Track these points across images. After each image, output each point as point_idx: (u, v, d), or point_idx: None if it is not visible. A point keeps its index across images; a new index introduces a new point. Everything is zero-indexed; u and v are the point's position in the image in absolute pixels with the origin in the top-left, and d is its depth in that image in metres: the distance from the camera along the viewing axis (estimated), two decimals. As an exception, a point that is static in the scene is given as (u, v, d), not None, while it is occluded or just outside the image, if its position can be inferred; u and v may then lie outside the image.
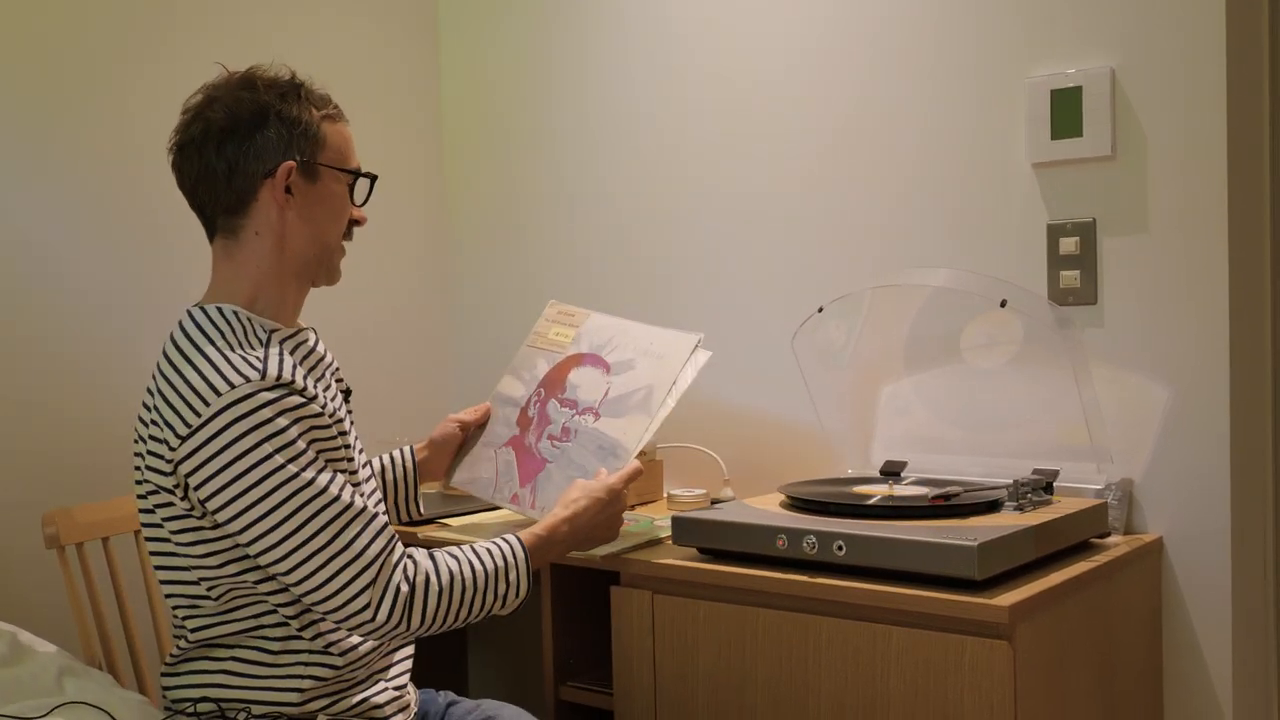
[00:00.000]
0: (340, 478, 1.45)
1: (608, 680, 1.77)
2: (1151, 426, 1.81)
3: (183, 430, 1.40)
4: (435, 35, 2.68)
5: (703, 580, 1.65)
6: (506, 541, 1.55)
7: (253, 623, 1.48)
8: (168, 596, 1.51)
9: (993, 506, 1.66)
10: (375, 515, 1.45)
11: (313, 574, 1.41)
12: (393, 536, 1.46)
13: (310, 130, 1.52)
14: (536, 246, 2.55)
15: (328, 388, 1.57)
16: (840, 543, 1.53)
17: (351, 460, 1.53)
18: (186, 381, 1.42)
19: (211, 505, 1.41)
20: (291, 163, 1.50)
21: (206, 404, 1.39)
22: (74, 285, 2.03)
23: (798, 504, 1.73)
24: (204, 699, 1.50)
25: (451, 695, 1.74)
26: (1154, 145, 1.80)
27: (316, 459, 1.43)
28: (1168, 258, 1.79)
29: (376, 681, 1.56)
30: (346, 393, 1.67)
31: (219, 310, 1.49)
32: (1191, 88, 1.76)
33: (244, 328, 1.48)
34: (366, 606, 1.41)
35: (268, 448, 1.39)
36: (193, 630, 1.50)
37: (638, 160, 2.38)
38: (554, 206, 2.51)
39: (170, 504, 1.45)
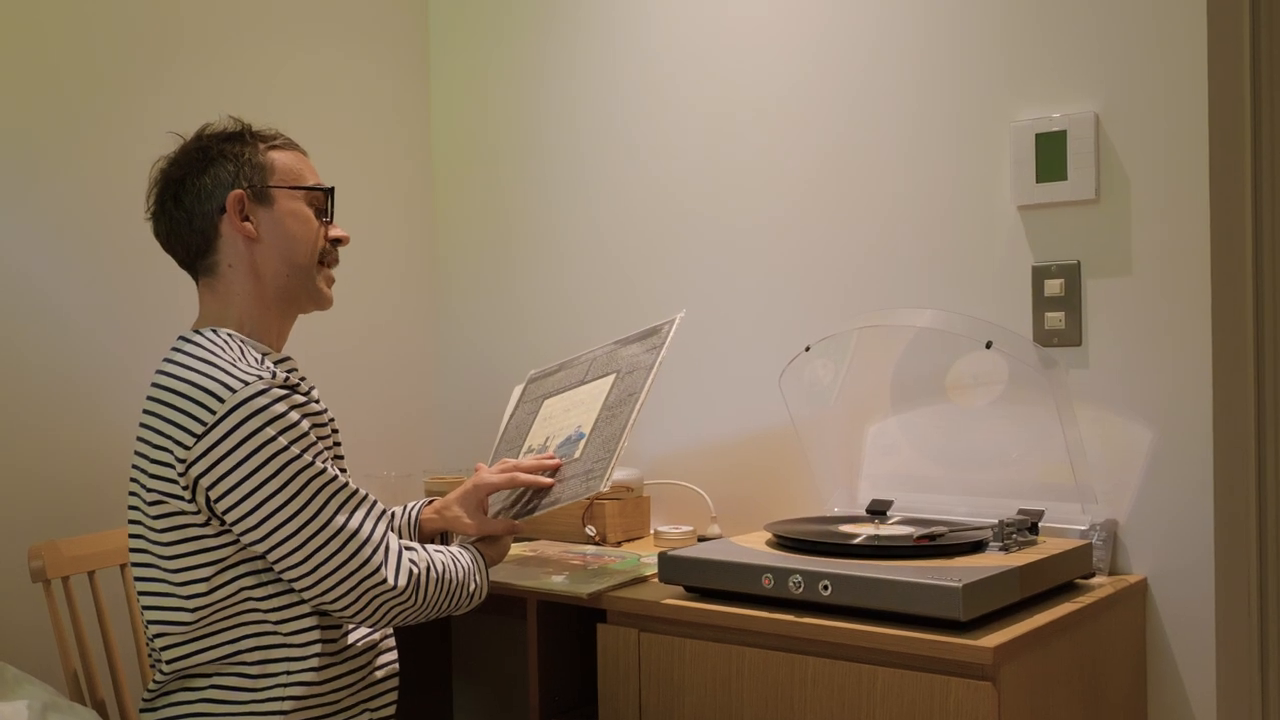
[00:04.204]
0: (342, 475, 1.53)
1: (593, 718, 1.77)
2: (1136, 467, 1.82)
3: (197, 429, 1.45)
4: (426, 61, 2.70)
5: (689, 618, 1.65)
6: (469, 549, 1.67)
7: (230, 649, 1.50)
8: (151, 624, 1.53)
9: (978, 547, 1.66)
10: (375, 502, 1.54)
11: (327, 559, 1.46)
12: (390, 525, 1.56)
13: (254, 160, 1.60)
14: (523, 276, 2.56)
15: (322, 420, 1.59)
16: (826, 582, 1.54)
17: (341, 460, 1.61)
18: (196, 385, 1.47)
19: (224, 503, 1.45)
20: (238, 191, 1.57)
21: (221, 401, 1.45)
22: (63, 316, 2.03)
23: (784, 542, 1.73)
24: None
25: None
26: (1137, 188, 1.82)
27: (323, 451, 1.51)
28: (1151, 299, 1.81)
29: (361, 712, 1.57)
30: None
31: (214, 331, 1.55)
32: (1174, 132, 1.79)
33: (239, 348, 1.53)
34: (383, 579, 1.49)
35: (283, 439, 1.45)
36: (168, 661, 1.51)
37: (626, 192, 2.40)
38: (541, 234, 2.53)
39: (177, 512, 1.47)
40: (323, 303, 1.66)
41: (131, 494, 1.53)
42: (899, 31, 2.04)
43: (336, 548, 1.47)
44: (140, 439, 1.52)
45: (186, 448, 1.45)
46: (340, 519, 1.47)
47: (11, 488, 1.95)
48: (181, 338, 1.56)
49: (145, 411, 1.52)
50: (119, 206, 2.09)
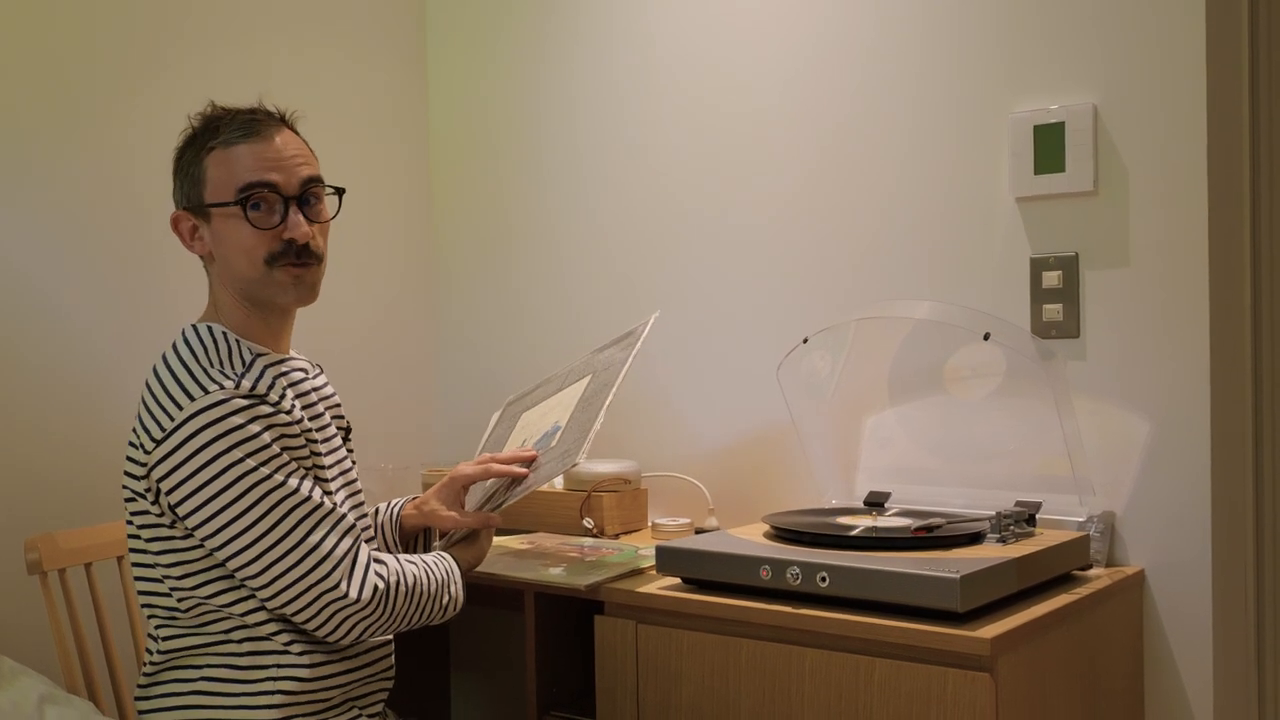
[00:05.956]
0: (310, 480, 1.48)
1: (591, 710, 1.77)
2: (1133, 459, 1.82)
3: (157, 434, 1.44)
4: (424, 59, 2.69)
5: (686, 610, 1.65)
6: (444, 558, 1.61)
7: (221, 636, 1.49)
8: (144, 607, 1.53)
9: (975, 538, 1.66)
10: (344, 516, 1.49)
11: (284, 573, 1.43)
12: (359, 538, 1.50)
13: (192, 172, 1.53)
14: (521, 271, 2.56)
15: (316, 416, 1.58)
16: (823, 574, 1.53)
17: (324, 469, 1.55)
18: (165, 390, 1.46)
19: (183, 510, 1.43)
20: (177, 212, 1.56)
21: (180, 408, 1.43)
22: (59, 310, 2.03)
23: (781, 534, 1.73)
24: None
25: (434, 724, 1.75)
26: (1135, 180, 1.82)
27: (288, 463, 1.46)
28: (1149, 291, 1.81)
29: (351, 708, 1.56)
30: (346, 430, 1.69)
31: (209, 329, 1.53)
32: (1172, 124, 1.78)
33: (230, 348, 1.51)
34: (343, 594, 1.45)
35: (238, 452, 1.42)
36: (164, 639, 1.51)
37: (624, 187, 2.40)
38: (539, 231, 2.53)
39: (145, 511, 1.48)
40: (293, 302, 1.56)
41: (125, 487, 1.52)
42: (897, 23, 2.04)
43: (293, 562, 1.43)
44: (132, 430, 1.52)
45: (147, 452, 1.45)
46: (298, 534, 1.44)
47: (8, 480, 1.95)
48: (182, 330, 1.54)
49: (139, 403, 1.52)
50: (116, 202, 2.09)
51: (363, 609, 1.46)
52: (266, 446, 1.44)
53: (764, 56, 2.20)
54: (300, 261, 1.53)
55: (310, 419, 1.55)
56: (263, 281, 1.53)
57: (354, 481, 1.65)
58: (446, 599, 1.58)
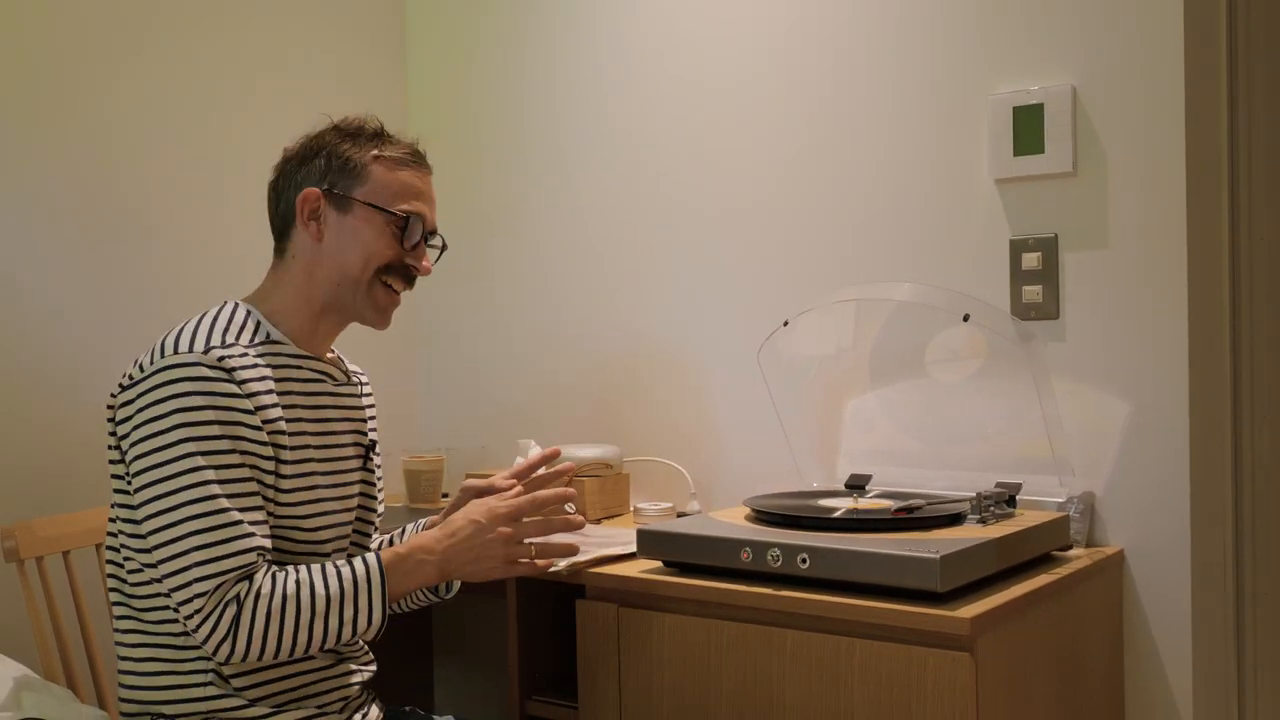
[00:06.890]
0: (230, 484, 1.40)
1: (573, 693, 1.77)
2: (1113, 440, 1.83)
3: (125, 382, 1.46)
4: (402, 52, 2.68)
5: (668, 593, 1.65)
6: (364, 561, 1.45)
7: (170, 626, 1.47)
8: (111, 590, 1.52)
9: (955, 519, 1.67)
10: (241, 523, 1.39)
11: (163, 561, 1.39)
12: (251, 561, 1.39)
13: (351, 165, 1.55)
14: (503, 259, 2.55)
15: (321, 421, 1.56)
16: (804, 555, 1.54)
17: (283, 464, 1.47)
18: (153, 345, 1.47)
19: (130, 463, 1.44)
20: (312, 190, 1.53)
21: (151, 361, 1.44)
22: (38, 297, 2.01)
23: (763, 517, 1.73)
24: (153, 713, 1.49)
25: (418, 711, 1.74)
26: (1114, 162, 1.82)
27: (219, 454, 1.40)
28: (1128, 273, 1.81)
29: (307, 706, 1.53)
30: (367, 447, 1.65)
31: (235, 305, 1.53)
32: (1151, 105, 1.79)
33: (243, 325, 1.51)
34: (200, 620, 1.37)
35: (175, 419, 1.40)
36: (132, 584, 1.49)
37: (605, 176, 2.39)
38: (521, 219, 2.52)
39: (119, 460, 1.48)
40: (378, 320, 1.59)
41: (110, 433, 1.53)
42: (876, 5, 2.03)
43: (172, 553, 1.38)
44: None
45: (114, 395, 1.48)
46: (184, 527, 1.37)
47: (-16, 468, 1.94)
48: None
49: None
50: (94, 189, 2.07)
51: (205, 644, 1.38)
52: (205, 423, 1.40)
53: (742, 40, 2.19)
54: (405, 285, 1.60)
55: (310, 421, 1.53)
56: (363, 288, 1.56)
57: (353, 497, 1.61)
58: (350, 613, 1.42)
